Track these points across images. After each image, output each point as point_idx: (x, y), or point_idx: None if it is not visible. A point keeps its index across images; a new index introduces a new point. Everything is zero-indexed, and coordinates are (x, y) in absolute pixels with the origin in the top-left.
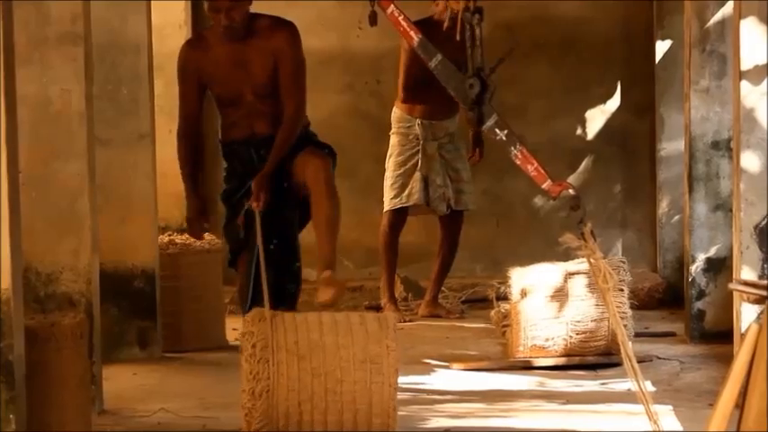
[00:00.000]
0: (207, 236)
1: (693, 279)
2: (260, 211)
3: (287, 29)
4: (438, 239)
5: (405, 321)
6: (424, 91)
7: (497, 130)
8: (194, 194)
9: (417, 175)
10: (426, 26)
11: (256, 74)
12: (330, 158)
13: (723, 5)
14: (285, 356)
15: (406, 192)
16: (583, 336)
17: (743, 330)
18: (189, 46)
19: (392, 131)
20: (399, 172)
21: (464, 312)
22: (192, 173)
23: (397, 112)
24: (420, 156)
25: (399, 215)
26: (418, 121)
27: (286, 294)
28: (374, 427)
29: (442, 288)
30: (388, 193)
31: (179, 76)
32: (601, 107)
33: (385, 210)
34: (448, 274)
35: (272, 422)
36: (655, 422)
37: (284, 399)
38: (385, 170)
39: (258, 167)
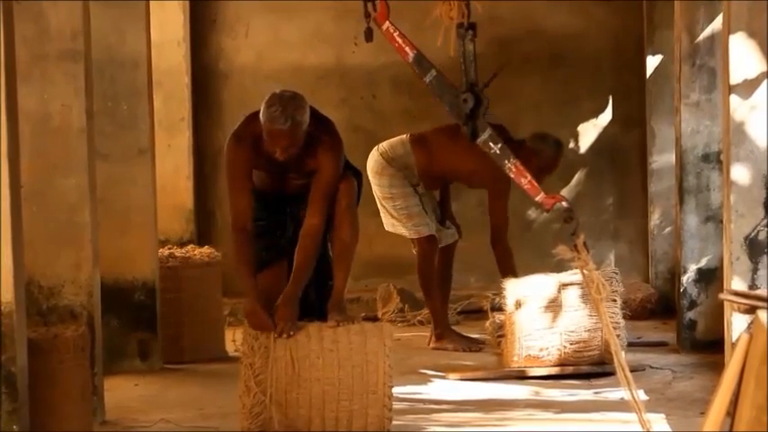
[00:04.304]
0: (206, 249)
1: (685, 289)
2: (282, 336)
3: (334, 149)
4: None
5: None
6: None
7: (491, 144)
8: (255, 293)
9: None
10: None
11: (303, 171)
12: (355, 180)
13: (713, 20)
14: (283, 353)
15: (428, 219)
16: (576, 346)
17: (734, 340)
18: (240, 144)
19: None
20: (416, 200)
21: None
22: (252, 270)
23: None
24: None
25: (434, 241)
26: None
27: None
28: (370, 419)
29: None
30: (413, 219)
31: (229, 172)
32: (592, 121)
33: (417, 236)
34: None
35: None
36: (647, 430)
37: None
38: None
39: (288, 214)
